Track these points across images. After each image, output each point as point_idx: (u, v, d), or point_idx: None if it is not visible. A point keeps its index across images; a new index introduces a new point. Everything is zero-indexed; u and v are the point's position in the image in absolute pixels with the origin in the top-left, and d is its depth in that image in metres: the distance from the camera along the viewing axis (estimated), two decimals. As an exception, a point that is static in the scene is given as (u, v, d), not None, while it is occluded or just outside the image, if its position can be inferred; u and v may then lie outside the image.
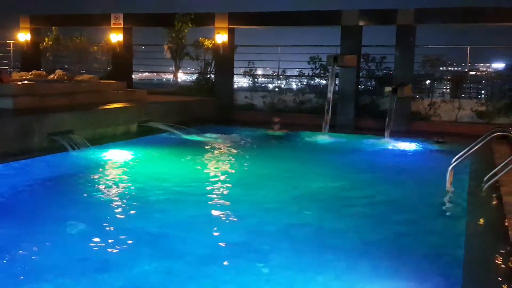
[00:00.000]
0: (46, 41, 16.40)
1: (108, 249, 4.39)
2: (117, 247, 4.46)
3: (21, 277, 3.78)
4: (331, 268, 4.10)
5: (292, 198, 6.27)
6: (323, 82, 14.62)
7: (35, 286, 3.65)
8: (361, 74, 13.66)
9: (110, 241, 4.58)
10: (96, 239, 4.58)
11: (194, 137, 10.49)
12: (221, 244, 4.62)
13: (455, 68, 15.18)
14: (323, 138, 11.25)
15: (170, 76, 17.35)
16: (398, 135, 11.11)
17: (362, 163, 8.81)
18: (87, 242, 4.52)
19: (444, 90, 14.34)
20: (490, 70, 16.14)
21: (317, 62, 14.21)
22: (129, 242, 4.60)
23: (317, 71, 14.39)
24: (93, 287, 3.71)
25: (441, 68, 13.88)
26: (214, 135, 10.81)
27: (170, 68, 16.52)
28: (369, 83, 14.48)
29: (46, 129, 7.95)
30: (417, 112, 12.75)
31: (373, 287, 3.80)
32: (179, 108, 12.04)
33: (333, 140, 11.13)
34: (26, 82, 10.11)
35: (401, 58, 12.39)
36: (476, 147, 6.61)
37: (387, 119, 11.30)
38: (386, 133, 11.15)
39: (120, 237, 4.73)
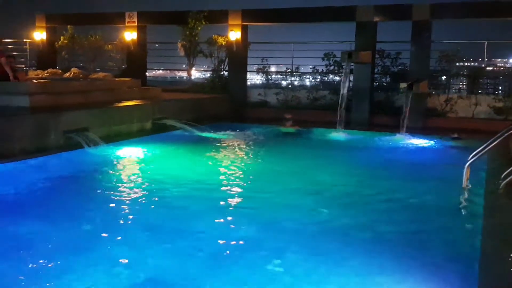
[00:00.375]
0: (61, 39, 16.56)
1: (122, 245, 4.43)
2: (131, 242, 4.50)
3: (32, 274, 3.84)
4: (346, 265, 4.09)
5: (306, 195, 6.27)
6: (337, 78, 14.51)
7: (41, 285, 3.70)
8: (376, 70, 13.54)
9: (124, 237, 4.63)
10: (110, 235, 4.64)
11: (207, 134, 10.53)
12: (234, 240, 4.63)
13: (472, 64, 14.98)
14: (338, 135, 11.21)
15: (183, 74, 17.39)
16: (413, 131, 11.01)
17: (377, 160, 8.76)
18: (101, 237, 4.58)
19: (461, 86, 14.17)
20: (507, 65, 15.90)
21: (331, 59, 14.09)
22: (143, 237, 4.64)
23: (331, 68, 14.29)
24: (109, 280, 3.75)
25: (457, 64, 13.70)
26: (227, 132, 10.84)
27: (184, 66, 16.56)
28: (384, 79, 14.35)
29: (62, 126, 8.04)
30: (433, 108, 12.61)
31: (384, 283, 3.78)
32: (193, 106, 12.07)
33: (348, 137, 11.08)
34: (42, 80, 10.22)
35: (417, 54, 12.27)
36: (494, 144, 6.53)
37: (402, 116, 11.21)
38: (401, 130, 11.06)
39: (134, 232, 4.78)
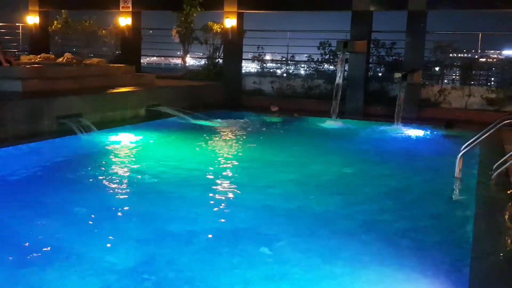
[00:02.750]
0: (55, 24, 16.36)
1: (112, 234, 4.41)
2: (121, 231, 4.49)
3: (22, 257, 3.82)
4: (335, 254, 4.10)
5: (296, 183, 6.28)
6: (332, 67, 14.46)
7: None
8: (371, 60, 13.50)
9: (114, 225, 4.61)
10: (100, 223, 4.61)
11: (202, 122, 10.49)
12: (226, 227, 4.63)
13: (465, 55, 14.97)
14: (332, 124, 11.19)
15: (178, 61, 17.28)
16: (407, 121, 11.03)
17: (370, 149, 8.77)
18: (91, 225, 4.56)
19: (454, 76, 14.17)
20: (500, 57, 15.89)
21: (327, 48, 14.06)
22: (135, 226, 4.62)
23: (327, 57, 14.25)
24: (97, 273, 3.74)
25: (451, 55, 13.69)
26: (222, 120, 10.79)
27: (178, 53, 16.45)
28: (378, 69, 14.32)
29: (55, 112, 7.97)
30: (427, 98, 12.62)
31: (375, 273, 3.80)
32: (187, 93, 12.01)
33: (342, 126, 11.08)
34: (35, 65, 10.11)
35: (412, 44, 12.24)
36: (486, 135, 6.54)
37: (396, 106, 11.21)
38: (395, 120, 11.07)
39: (125, 221, 4.76)
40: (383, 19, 13.81)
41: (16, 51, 17.44)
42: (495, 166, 5.83)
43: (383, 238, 4.45)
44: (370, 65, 13.67)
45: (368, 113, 12.31)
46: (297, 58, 15.49)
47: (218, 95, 13.22)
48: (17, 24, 17.93)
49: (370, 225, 4.80)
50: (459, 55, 14.57)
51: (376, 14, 12.77)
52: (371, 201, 5.60)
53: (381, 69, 14.26)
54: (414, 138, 10.09)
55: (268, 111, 11.96)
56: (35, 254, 3.88)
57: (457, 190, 6.16)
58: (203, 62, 15.81)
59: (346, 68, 12.72)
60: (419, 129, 10.62)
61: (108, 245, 4.17)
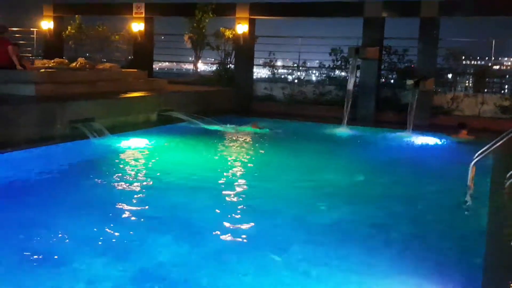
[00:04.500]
0: (68, 29, 16.53)
1: (125, 238, 4.42)
2: (133, 235, 4.50)
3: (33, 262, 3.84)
4: (346, 261, 4.07)
5: (307, 190, 6.26)
6: (344, 74, 14.43)
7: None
8: (382, 66, 13.44)
9: (127, 229, 4.63)
10: (112, 227, 4.63)
11: (213, 127, 10.51)
12: (237, 234, 4.63)
13: (479, 62, 14.85)
14: (343, 130, 11.16)
15: (190, 66, 17.36)
16: (419, 129, 10.95)
17: (382, 157, 8.72)
18: (104, 229, 4.58)
19: (467, 84, 14.06)
20: (514, 64, 15.76)
21: (339, 54, 14.03)
22: (145, 230, 4.63)
23: (338, 63, 14.21)
24: (110, 272, 3.74)
25: (464, 62, 13.59)
26: (233, 126, 10.79)
27: (190, 58, 16.52)
28: (390, 76, 14.25)
29: (67, 116, 8.03)
30: (440, 106, 12.53)
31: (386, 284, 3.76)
32: (199, 98, 12.04)
33: (353, 133, 11.04)
34: (48, 69, 10.21)
35: (424, 51, 12.18)
36: (500, 143, 6.46)
37: (408, 113, 11.13)
38: (407, 127, 11.00)
39: (137, 225, 4.77)
40: (396, 26, 13.77)
41: (30, 56, 17.65)
42: (508, 174, 5.75)
43: (393, 246, 4.41)
44: (382, 72, 13.61)
45: (379, 120, 12.25)
46: (308, 64, 15.49)
47: (229, 100, 13.25)
48: (31, 29, 18.16)
49: (381, 234, 4.75)
50: (472, 62, 14.47)
51: (388, 20, 12.73)
52: (382, 210, 5.55)
53: (393, 76, 14.18)
54: (426, 145, 10.01)
55: (279, 117, 11.94)
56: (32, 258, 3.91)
57: (470, 199, 6.08)
58: (214, 67, 15.85)
59: (358, 74, 12.68)
60: (431, 136, 10.54)
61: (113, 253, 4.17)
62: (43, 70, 9.95)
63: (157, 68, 18.33)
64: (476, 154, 6.43)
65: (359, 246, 4.40)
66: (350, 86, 11.84)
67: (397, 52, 13.56)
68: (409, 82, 11.49)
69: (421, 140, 10.34)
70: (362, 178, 7.16)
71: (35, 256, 3.90)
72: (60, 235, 4.36)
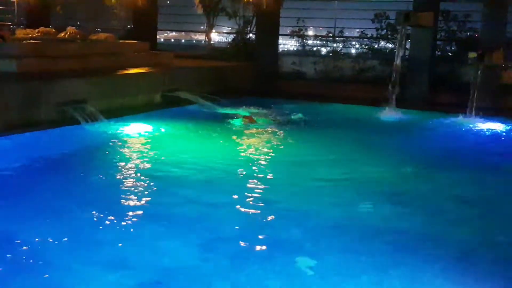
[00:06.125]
0: (56, -8, 16.71)
1: (122, 241, 4.48)
2: (130, 236, 4.56)
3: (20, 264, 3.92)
4: (391, 277, 4.04)
5: (344, 188, 6.23)
6: (390, 45, 14.32)
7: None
8: (438, 36, 13.29)
9: (123, 230, 4.69)
10: (107, 228, 4.70)
11: (229, 111, 10.53)
12: (259, 238, 4.66)
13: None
14: (388, 115, 11.10)
15: (201, 37, 17.41)
16: (484, 113, 10.77)
17: (437, 147, 8.64)
18: (96, 230, 4.65)
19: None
20: None
21: (384, 21, 13.92)
22: (149, 234, 4.68)
23: (383, 32, 14.12)
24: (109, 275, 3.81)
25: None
26: (253, 109, 10.78)
27: (202, 27, 16.56)
28: (448, 48, 14.12)
29: (55, 97, 8.12)
30: (509, 84, 12.31)
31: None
32: (212, 75, 12.06)
33: (401, 117, 10.98)
34: (32, 41, 10.33)
35: (491, 17, 11.95)
36: None
37: (470, 93, 10.97)
38: (468, 110, 10.87)
39: (137, 227, 4.81)
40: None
41: (10, 25, 17.89)
42: None
43: (454, 263, 4.34)
44: (438, 43, 13.46)
45: (434, 101, 12.12)
46: (346, 33, 15.37)
47: (249, 78, 13.24)
48: (11, -7, 18.38)
49: (438, 247, 4.67)
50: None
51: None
52: (439, 215, 5.51)
53: (452, 48, 14.06)
54: (493, 133, 9.86)
55: (310, 99, 11.90)
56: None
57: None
58: (231, 38, 15.84)
59: (408, 46, 12.55)
60: (499, 122, 10.37)
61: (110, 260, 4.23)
62: (25, 41, 10.07)
63: (162, 39, 18.43)
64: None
65: (408, 260, 4.33)
66: (398, 60, 11.71)
67: (457, 18, 13.36)
68: (472, 55, 11.34)
69: (486, 126, 10.20)
70: (414, 174, 7.10)
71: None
72: (40, 238, 4.42)
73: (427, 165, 7.53)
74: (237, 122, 9.80)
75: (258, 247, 4.52)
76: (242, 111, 10.60)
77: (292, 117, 10.40)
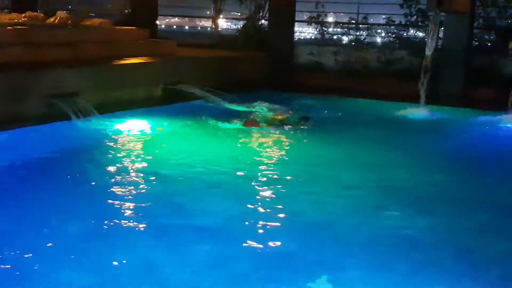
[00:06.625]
0: (44, -28, 16.79)
1: (116, 256, 4.44)
2: (130, 253, 4.52)
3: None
4: None
5: (368, 193, 6.23)
6: (421, 34, 14.28)
7: None
8: (476, 23, 13.23)
9: (120, 245, 4.65)
10: (96, 243, 4.65)
11: (238, 107, 10.52)
12: (274, 249, 4.64)
13: None
14: (418, 112, 11.09)
15: (207, 23, 17.41)
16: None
17: (474, 149, 8.60)
18: (82, 241, 4.63)
19: None
20: None
21: (414, 6, 13.90)
22: (146, 247, 4.65)
23: (413, 19, 14.11)
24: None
25: None
26: (265, 105, 10.75)
27: (208, 12, 16.55)
28: (487, 37, 14.06)
29: (43, 90, 8.12)
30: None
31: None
32: (219, 67, 12.05)
33: (433, 115, 10.97)
34: (18, 27, 10.34)
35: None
36: None
37: (512, 88, 10.91)
38: (510, 108, 10.79)
39: (134, 240, 4.79)
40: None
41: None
42: None
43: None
44: (475, 31, 13.39)
45: (471, 97, 12.07)
46: (371, 20, 15.34)
47: (260, 70, 13.23)
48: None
49: (477, 264, 4.62)
50: None
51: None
52: (476, 225, 5.46)
53: (491, 37, 14.01)
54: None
55: (330, 93, 11.86)
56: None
57: None
58: (240, 25, 15.82)
59: (441, 35, 12.50)
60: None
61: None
62: (10, 27, 10.09)
63: (163, 26, 18.44)
64: None
65: (439, 277, 4.28)
66: (429, 50, 11.64)
67: (497, 4, 13.29)
68: (514, 45, 11.30)
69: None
70: (446, 178, 7.04)
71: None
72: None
73: (462, 169, 7.50)
74: (236, 126, 9.29)
75: (274, 258, 4.48)
76: (257, 107, 10.56)
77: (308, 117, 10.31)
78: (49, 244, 4.54)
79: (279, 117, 9.81)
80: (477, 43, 13.77)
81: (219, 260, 4.43)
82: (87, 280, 4.01)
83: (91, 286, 3.97)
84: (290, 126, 9.31)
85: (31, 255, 4.29)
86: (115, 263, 4.28)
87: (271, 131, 9.10)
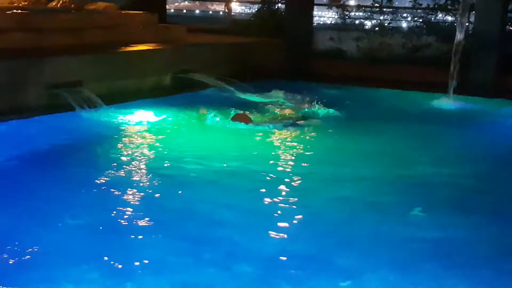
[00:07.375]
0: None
1: (119, 260, 4.47)
2: (139, 258, 4.55)
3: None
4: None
5: (394, 191, 6.24)
6: (450, 18, 14.20)
7: None
8: (510, 6, 13.13)
9: (125, 248, 4.68)
10: (104, 236, 4.71)
11: (252, 97, 10.55)
12: (290, 253, 4.62)
13: None
14: (447, 103, 11.11)
15: (219, 7, 17.41)
16: None
17: (506, 143, 8.59)
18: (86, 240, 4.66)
19: None
20: None
21: (443, -12, 13.86)
22: (157, 248, 4.68)
23: (442, 2, 14.05)
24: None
25: None
26: (282, 95, 10.75)
27: (220, -5, 16.54)
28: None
29: (45, 79, 8.17)
30: None
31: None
32: (232, 54, 12.07)
33: (463, 106, 10.97)
34: (18, 11, 10.39)
35: None
36: None
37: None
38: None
39: (142, 244, 4.81)
40: None
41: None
42: None
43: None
44: (510, 15, 13.29)
45: (504, 87, 12.05)
46: (396, 3, 15.27)
47: (276, 57, 13.23)
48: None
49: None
50: None
51: None
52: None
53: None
54: None
55: (351, 82, 11.84)
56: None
57: None
58: (255, 8, 15.81)
59: (472, 19, 12.42)
60: None
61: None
62: (9, 12, 10.14)
63: (172, 10, 18.47)
64: None
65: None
66: (459, 36, 11.58)
67: (534, -16, 13.20)
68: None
69: None
70: (479, 174, 7.02)
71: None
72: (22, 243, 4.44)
73: (496, 164, 7.51)
74: (225, 123, 8.82)
75: (291, 262, 4.48)
76: (273, 96, 10.54)
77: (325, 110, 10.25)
78: (53, 235, 4.63)
79: (289, 111, 9.78)
80: (511, 27, 13.67)
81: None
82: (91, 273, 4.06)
83: (94, 277, 4.02)
84: (302, 122, 9.22)
85: (37, 248, 4.36)
86: (122, 256, 4.34)
87: (262, 128, 8.73)
